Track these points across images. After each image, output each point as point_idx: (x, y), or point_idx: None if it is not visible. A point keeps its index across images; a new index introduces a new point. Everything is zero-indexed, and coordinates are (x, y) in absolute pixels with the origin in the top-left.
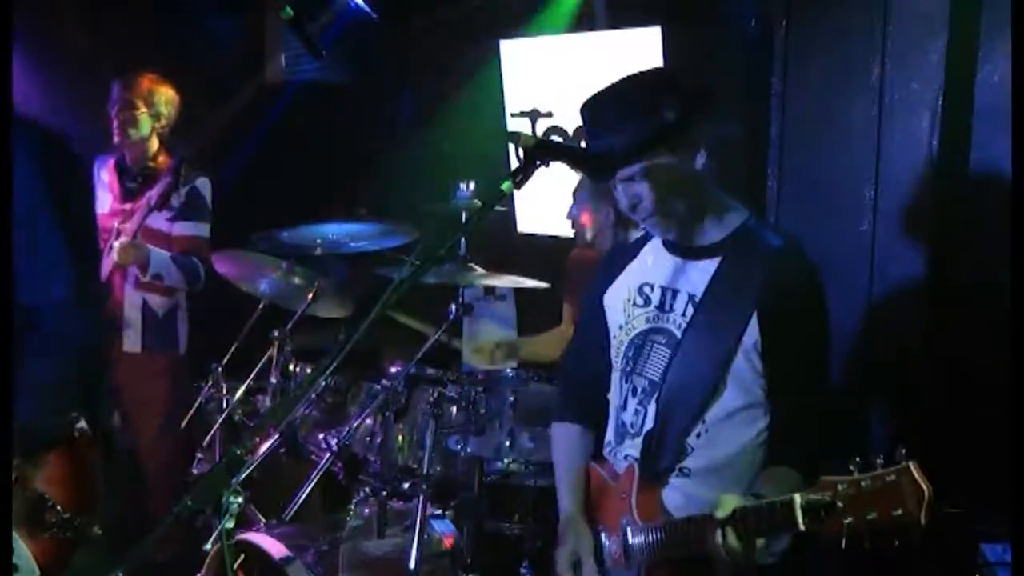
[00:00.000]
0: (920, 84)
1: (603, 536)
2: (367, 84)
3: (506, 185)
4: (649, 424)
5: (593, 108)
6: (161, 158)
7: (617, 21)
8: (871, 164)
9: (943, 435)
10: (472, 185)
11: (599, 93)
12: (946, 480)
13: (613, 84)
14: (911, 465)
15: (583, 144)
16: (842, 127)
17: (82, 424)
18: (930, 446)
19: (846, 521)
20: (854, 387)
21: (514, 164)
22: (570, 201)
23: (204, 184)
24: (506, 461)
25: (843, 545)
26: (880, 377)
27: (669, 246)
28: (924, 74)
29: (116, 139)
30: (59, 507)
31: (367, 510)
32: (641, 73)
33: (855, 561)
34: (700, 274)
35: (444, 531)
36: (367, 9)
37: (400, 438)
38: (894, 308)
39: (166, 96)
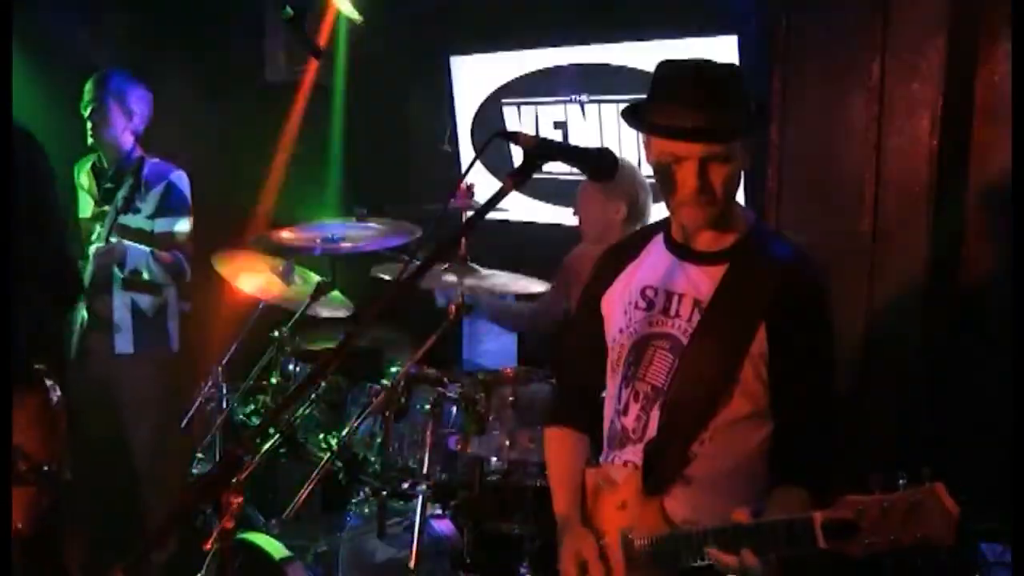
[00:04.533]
0: (920, 84)
1: (603, 543)
2: (368, 84)
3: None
4: (652, 431)
5: (684, 78)
6: (137, 154)
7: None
8: (871, 164)
9: (942, 434)
10: (472, 185)
11: (686, 65)
12: (946, 480)
13: (701, 62)
14: (938, 486)
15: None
16: (842, 127)
17: (45, 371)
18: (929, 445)
19: (868, 541)
20: (854, 387)
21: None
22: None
23: (180, 178)
24: (506, 461)
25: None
26: (880, 376)
27: (674, 248)
28: (924, 74)
29: (90, 139)
30: (30, 455)
31: (367, 510)
32: (728, 63)
33: (853, 560)
34: (707, 280)
35: (444, 531)
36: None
37: (400, 438)
38: (894, 308)
39: (136, 94)
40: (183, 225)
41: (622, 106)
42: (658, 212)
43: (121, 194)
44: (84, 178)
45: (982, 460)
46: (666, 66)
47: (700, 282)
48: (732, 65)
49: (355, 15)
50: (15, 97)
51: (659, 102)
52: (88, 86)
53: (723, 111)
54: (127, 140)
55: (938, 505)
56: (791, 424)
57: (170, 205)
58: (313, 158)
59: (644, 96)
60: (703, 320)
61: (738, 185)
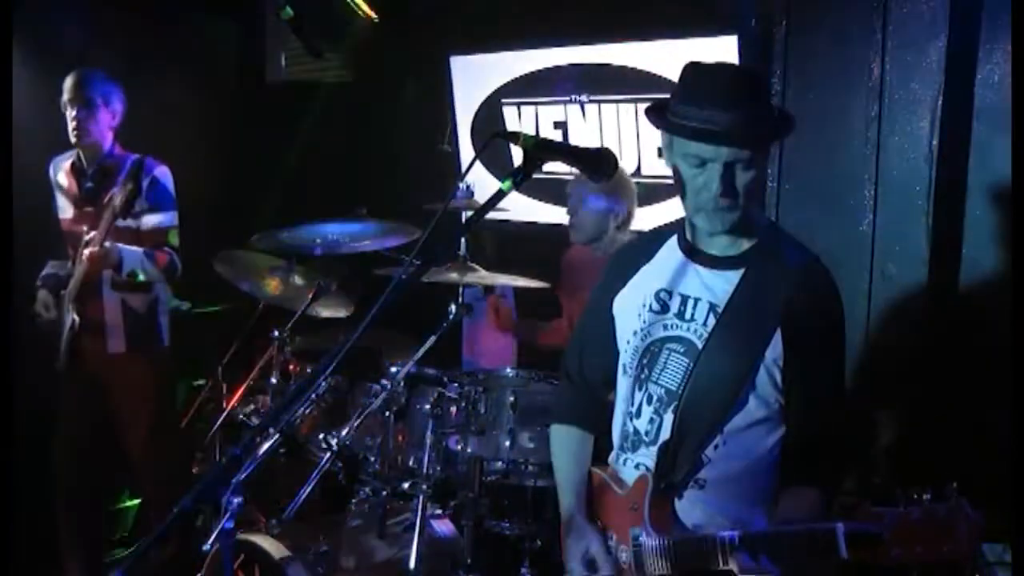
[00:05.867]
0: (920, 84)
1: (611, 543)
2: (367, 84)
3: (506, 185)
4: (665, 434)
5: (715, 80)
6: (117, 152)
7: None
8: (871, 164)
9: (943, 434)
10: (472, 185)
11: (716, 67)
12: (946, 479)
13: (731, 65)
14: (964, 502)
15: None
16: (842, 127)
17: None
18: (930, 445)
19: (892, 552)
20: (854, 387)
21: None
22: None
23: (163, 173)
24: (506, 461)
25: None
26: (880, 376)
27: (688, 251)
28: (924, 74)
29: (74, 138)
30: None
31: (367, 510)
32: (754, 66)
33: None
34: (723, 284)
35: (444, 531)
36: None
37: (400, 438)
38: (894, 308)
39: (117, 93)
40: (170, 220)
41: (622, 106)
42: (649, 215)
43: (120, 198)
44: (63, 178)
45: (982, 460)
46: (694, 67)
47: (715, 286)
48: (759, 68)
49: (370, 13)
50: (16, 97)
51: (687, 103)
52: (70, 84)
53: (754, 115)
54: (109, 138)
55: (964, 520)
56: (804, 427)
57: (156, 201)
58: (313, 158)
59: (645, 96)
60: (719, 325)
61: (758, 191)
